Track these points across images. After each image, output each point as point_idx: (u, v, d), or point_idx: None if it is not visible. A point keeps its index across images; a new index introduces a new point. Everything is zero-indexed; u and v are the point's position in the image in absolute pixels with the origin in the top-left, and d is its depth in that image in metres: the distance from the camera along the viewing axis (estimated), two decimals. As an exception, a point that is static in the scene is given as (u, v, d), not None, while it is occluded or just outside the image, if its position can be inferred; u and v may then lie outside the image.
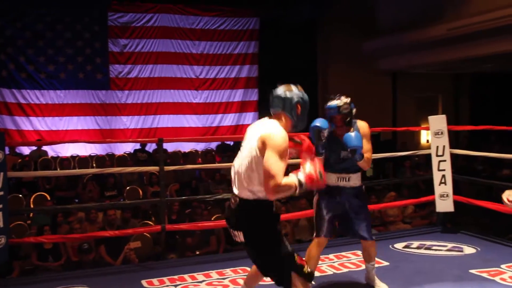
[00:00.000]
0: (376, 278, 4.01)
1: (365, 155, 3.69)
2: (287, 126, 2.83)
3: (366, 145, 3.73)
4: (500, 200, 5.27)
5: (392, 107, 13.49)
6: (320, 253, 3.86)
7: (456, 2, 10.33)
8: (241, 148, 2.86)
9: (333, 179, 3.79)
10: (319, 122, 3.62)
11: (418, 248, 5.04)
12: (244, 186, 2.77)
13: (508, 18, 8.79)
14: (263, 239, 2.82)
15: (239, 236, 2.84)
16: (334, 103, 3.73)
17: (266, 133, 2.68)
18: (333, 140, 3.77)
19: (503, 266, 4.39)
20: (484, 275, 4.21)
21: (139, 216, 7.29)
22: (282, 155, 2.64)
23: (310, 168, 2.71)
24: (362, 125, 3.85)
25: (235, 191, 2.83)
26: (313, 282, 2.97)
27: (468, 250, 4.98)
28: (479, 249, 4.97)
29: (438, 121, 5.58)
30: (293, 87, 2.89)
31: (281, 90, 2.86)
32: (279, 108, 2.84)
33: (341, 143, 3.66)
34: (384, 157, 5.81)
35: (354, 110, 3.76)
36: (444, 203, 5.50)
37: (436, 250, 5.02)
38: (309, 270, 2.87)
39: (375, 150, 8.61)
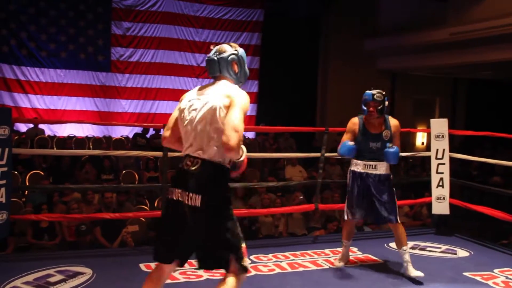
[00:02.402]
0: (409, 264, 4.14)
1: None
2: None
3: (397, 142, 4.28)
4: (492, 205, 5.39)
5: (389, 108, 13.55)
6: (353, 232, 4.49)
7: (460, 8, 10.40)
8: (190, 111, 2.71)
9: (360, 166, 4.26)
10: (346, 151, 4.18)
11: (412, 248, 5.11)
12: (208, 146, 2.64)
13: (508, 26, 8.87)
14: (221, 207, 2.67)
15: (195, 200, 2.60)
16: (370, 91, 4.23)
17: (231, 92, 2.66)
18: (363, 131, 4.24)
19: (496, 270, 4.48)
20: (478, 278, 4.29)
21: (133, 200, 7.32)
22: (245, 115, 2.68)
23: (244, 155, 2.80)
24: (395, 123, 4.33)
25: (194, 152, 2.67)
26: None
27: (462, 253, 5.07)
28: (472, 252, 5.06)
29: (440, 124, 5.65)
30: (225, 46, 2.82)
31: (213, 53, 2.80)
32: (217, 71, 2.79)
33: (370, 134, 4.22)
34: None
35: (386, 102, 4.20)
36: (441, 205, 5.58)
37: (430, 251, 5.10)
38: (246, 264, 2.78)
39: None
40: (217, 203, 2.65)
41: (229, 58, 2.78)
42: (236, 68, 2.81)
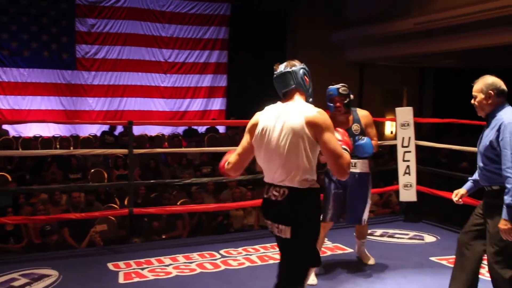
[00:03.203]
0: (365, 251, 4.40)
1: (373, 142, 4.00)
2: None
3: (372, 131, 4.17)
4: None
5: (358, 98, 13.69)
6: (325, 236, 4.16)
7: (423, -3, 10.54)
8: (270, 135, 2.53)
9: None
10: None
11: (381, 236, 5.18)
12: (294, 174, 2.48)
13: (470, 15, 9.00)
14: (310, 232, 2.56)
15: (285, 232, 2.49)
16: (333, 86, 4.14)
17: (311, 115, 2.49)
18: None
19: (461, 254, 4.56)
20: (444, 262, 4.37)
21: (103, 199, 7.22)
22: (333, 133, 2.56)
23: (340, 135, 2.66)
24: (363, 114, 4.23)
25: (280, 181, 2.51)
26: None
27: (429, 238, 5.15)
28: (439, 237, 5.15)
29: (405, 113, 5.72)
30: (293, 61, 2.75)
31: (285, 67, 2.70)
32: (292, 85, 2.65)
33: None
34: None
35: (351, 96, 4.13)
36: (408, 192, 5.65)
37: (398, 238, 5.17)
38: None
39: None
40: (308, 234, 2.53)
41: (301, 71, 2.71)
42: (307, 81, 2.73)
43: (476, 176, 3.18)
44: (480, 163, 3.02)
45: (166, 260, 4.45)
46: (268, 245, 4.90)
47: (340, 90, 4.09)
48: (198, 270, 4.21)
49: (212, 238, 5.60)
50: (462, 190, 3.27)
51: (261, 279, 4.01)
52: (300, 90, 2.67)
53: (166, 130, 11.63)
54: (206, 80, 12.41)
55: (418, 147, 5.73)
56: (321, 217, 3.77)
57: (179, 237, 6.20)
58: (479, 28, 9.14)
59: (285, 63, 2.73)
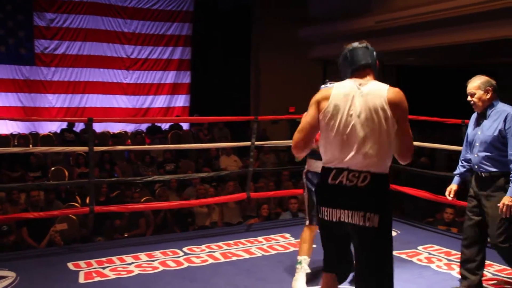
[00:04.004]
0: None
1: None
2: None
3: None
4: (418, 186, 5.62)
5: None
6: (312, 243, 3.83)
7: (385, -5, 10.72)
8: (345, 115, 2.34)
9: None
10: None
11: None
12: (377, 159, 2.30)
13: (431, 14, 9.22)
14: (390, 222, 2.39)
15: (372, 220, 2.27)
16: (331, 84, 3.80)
17: (393, 95, 2.34)
18: None
19: (420, 247, 4.69)
20: (403, 256, 4.47)
21: (63, 198, 7.08)
22: None
23: None
24: None
25: (359, 166, 2.31)
26: None
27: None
28: (399, 232, 5.26)
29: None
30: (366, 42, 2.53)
31: (359, 43, 2.50)
32: (369, 60, 2.45)
33: None
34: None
35: None
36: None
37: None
38: None
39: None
40: (390, 222, 2.38)
41: (375, 52, 2.50)
42: (378, 66, 2.53)
43: (461, 170, 3.63)
44: (482, 153, 3.38)
45: (128, 258, 4.39)
46: (231, 242, 4.90)
47: None
48: (161, 268, 4.18)
49: (175, 235, 5.57)
50: (454, 187, 3.64)
51: (225, 275, 4.01)
52: (372, 70, 2.47)
53: (129, 127, 11.49)
54: (170, 77, 12.31)
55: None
56: (308, 220, 3.83)
57: (142, 236, 6.14)
58: (440, 26, 9.38)
59: (357, 42, 2.52)
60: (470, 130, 3.58)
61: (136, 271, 4.11)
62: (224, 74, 12.23)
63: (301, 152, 2.51)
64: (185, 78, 12.49)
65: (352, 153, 2.31)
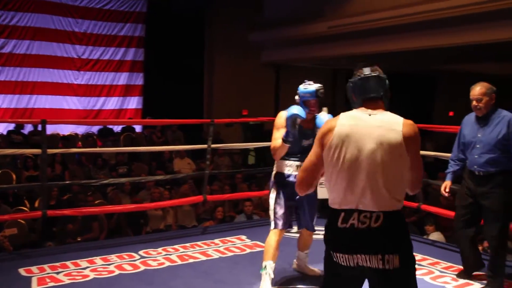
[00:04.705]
0: (308, 265, 4.13)
1: None
2: None
3: None
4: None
5: (274, 98, 14.00)
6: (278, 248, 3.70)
7: (337, 2, 10.97)
8: (353, 150, 2.14)
9: (292, 167, 3.68)
10: (297, 110, 3.46)
11: (298, 233, 5.33)
12: (389, 196, 2.12)
13: (381, 21, 9.53)
14: (412, 260, 2.22)
15: (393, 262, 2.10)
16: (312, 87, 3.60)
17: (409, 129, 2.14)
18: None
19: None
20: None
21: (11, 202, 6.88)
22: None
23: None
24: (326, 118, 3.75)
25: (370, 206, 2.13)
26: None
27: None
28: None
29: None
30: (379, 69, 2.35)
31: (372, 71, 2.30)
32: (381, 92, 2.27)
33: (303, 131, 3.66)
34: (266, 146, 6.10)
35: None
36: (323, 190, 5.84)
37: (316, 234, 5.35)
38: None
39: (258, 139, 8.85)
40: (412, 259, 2.21)
41: (387, 81, 2.31)
42: (389, 96, 2.33)
43: (454, 168, 3.96)
44: (485, 154, 3.68)
45: (83, 263, 4.32)
46: (187, 244, 4.90)
47: (319, 93, 3.59)
48: (117, 272, 4.13)
49: (130, 239, 5.51)
50: (449, 183, 3.97)
51: (182, 278, 4.02)
52: (383, 101, 2.28)
53: (80, 129, 11.23)
54: (122, 78, 12.12)
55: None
56: (274, 224, 3.69)
57: (95, 240, 6.04)
58: (389, 33, 9.70)
59: (369, 67, 2.33)
60: (466, 132, 3.86)
61: (92, 275, 4.05)
62: (177, 77, 12.17)
63: (307, 191, 2.33)
64: (138, 80, 12.33)
65: (361, 192, 2.12)
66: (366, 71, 2.30)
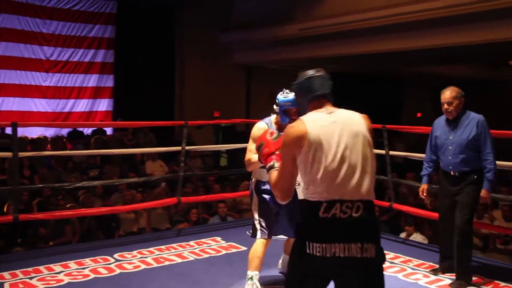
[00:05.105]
0: None
1: None
2: None
3: None
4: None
5: (245, 100, 14.04)
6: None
7: (307, 4, 11.09)
8: (322, 153, 2.20)
9: None
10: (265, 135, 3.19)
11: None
12: (367, 186, 2.23)
13: (353, 23, 9.69)
14: (383, 253, 2.29)
15: (370, 251, 2.17)
16: (291, 95, 3.54)
17: (369, 123, 2.34)
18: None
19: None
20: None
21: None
22: None
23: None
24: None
25: (353, 196, 2.20)
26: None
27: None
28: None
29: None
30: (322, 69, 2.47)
31: (319, 71, 2.42)
32: (326, 90, 2.40)
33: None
34: (238, 148, 6.14)
35: None
36: (299, 190, 5.92)
37: (288, 234, 5.42)
38: None
39: (229, 141, 8.84)
40: (383, 252, 2.27)
41: (331, 81, 2.43)
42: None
43: (429, 171, 4.17)
44: (458, 155, 3.87)
45: (57, 267, 4.27)
46: (163, 247, 4.90)
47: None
48: (92, 276, 4.10)
49: (105, 242, 5.46)
50: (426, 186, 4.19)
51: (158, 280, 4.02)
52: (329, 99, 2.40)
53: (49, 132, 11.02)
54: (92, 80, 11.94)
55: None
56: (260, 233, 3.61)
57: (68, 243, 5.96)
58: (358, 35, 9.86)
59: (314, 70, 2.44)
60: (438, 134, 4.04)
61: (66, 279, 4.01)
62: (148, 78, 12.09)
63: (289, 198, 2.32)
64: (108, 81, 12.17)
65: (343, 184, 2.19)
66: (311, 72, 2.41)
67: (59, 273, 4.15)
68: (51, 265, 4.31)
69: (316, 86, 2.36)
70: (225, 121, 9.67)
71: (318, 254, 2.16)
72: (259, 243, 3.63)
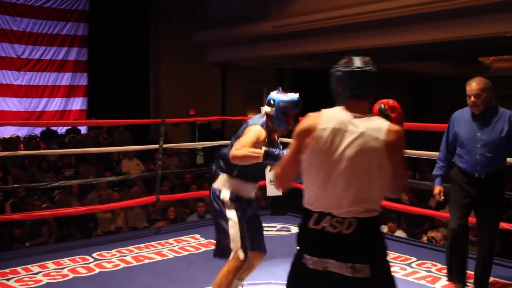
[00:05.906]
0: None
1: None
2: None
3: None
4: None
5: (221, 97, 14.04)
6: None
7: (281, 2, 11.15)
8: (323, 155, 2.00)
9: (255, 190, 3.30)
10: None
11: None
12: (364, 205, 1.99)
13: (327, 20, 9.78)
14: (386, 269, 2.10)
15: (363, 272, 1.96)
16: (293, 95, 3.04)
17: (394, 139, 1.99)
18: (270, 145, 3.01)
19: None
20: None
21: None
22: None
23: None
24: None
25: (341, 212, 1.99)
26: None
27: (295, 229, 5.52)
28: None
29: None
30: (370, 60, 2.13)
31: (365, 64, 2.08)
32: (370, 92, 2.08)
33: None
34: (214, 145, 6.17)
35: None
36: (273, 187, 5.97)
37: (267, 231, 5.45)
38: None
39: (205, 139, 8.82)
40: (386, 268, 2.09)
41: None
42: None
43: (441, 171, 3.66)
44: (488, 154, 3.38)
45: (34, 268, 4.23)
46: (142, 245, 4.89)
47: (300, 104, 3.06)
48: (71, 276, 4.08)
49: (83, 242, 5.42)
50: (441, 188, 3.66)
51: (139, 279, 4.02)
52: (370, 100, 2.12)
53: (21, 132, 10.83)
54: (65, 79, 11.76)
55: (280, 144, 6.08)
56: (241, 252, 3.09)
57: (45, 244, 5.89)
58: (333, 33, 9.97)
59: (359, 58, 2.09)
60: (461, 130, 3.51)
61: (45, 280, 3.98)
62: (123, 76, 11.98)
63: (280, 188, 2.23)
64: (82, 80, 12.01)
65: (335, 198, 1.99)
66: (357, 62, 2.06)
67: (37, 273, 4.12)
68: (29, 266, 4.27)
69: (356, 84, 2.04)
70: (202, 119, 9.68)
71: (310, 266, 2.03)
72: (238, 264, 3.07)
